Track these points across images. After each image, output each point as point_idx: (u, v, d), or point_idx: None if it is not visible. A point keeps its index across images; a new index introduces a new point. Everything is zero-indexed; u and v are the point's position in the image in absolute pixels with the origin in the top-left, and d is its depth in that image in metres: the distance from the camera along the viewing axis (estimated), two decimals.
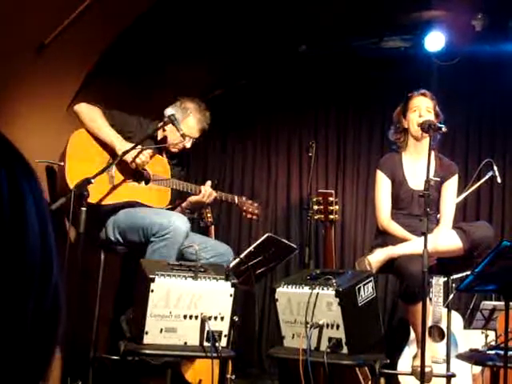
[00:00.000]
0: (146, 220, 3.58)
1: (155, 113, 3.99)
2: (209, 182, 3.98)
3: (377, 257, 3.76)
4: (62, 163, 3.62)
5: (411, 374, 3.80)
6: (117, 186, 3.68)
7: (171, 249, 3.50)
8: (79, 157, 3.61)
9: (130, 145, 3.63)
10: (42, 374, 0.68)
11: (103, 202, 3.62)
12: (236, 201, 4.07)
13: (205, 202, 3.98)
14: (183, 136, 3.73)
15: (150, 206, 3.74)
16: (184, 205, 4.06)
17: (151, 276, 2.90)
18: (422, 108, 3.97)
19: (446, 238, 3.76)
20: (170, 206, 3.86)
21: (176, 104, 3.98)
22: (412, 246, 3.72)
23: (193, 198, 3.95)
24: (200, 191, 3.89)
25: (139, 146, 3.64)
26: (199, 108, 3.99)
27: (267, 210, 6.03)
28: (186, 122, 3.91)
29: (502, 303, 3.73)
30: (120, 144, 3.65)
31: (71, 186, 3.43)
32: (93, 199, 3.50)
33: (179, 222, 3.54)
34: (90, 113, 3.72)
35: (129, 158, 3.65)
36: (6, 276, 0.62)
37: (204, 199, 3.91)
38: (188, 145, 3.95)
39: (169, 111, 3.79)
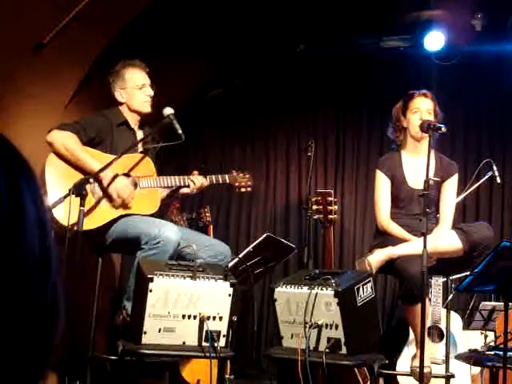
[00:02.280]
0: (136, 229, 3.51)
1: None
2: (195, 172, 3.86)
3: (377, 257, 3.75)
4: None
5: (410, 375, 3.78)
6: (106, 206, 3.60)
7: (161, 258, 3.37)
8: (60, 185, 3.44)
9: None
10: (41, 373, 0.67)
11: (100, 225, 3.55)
12: (227, 180, 3.94)
13: (197, 193, 3.93)
14: (182, 136, 3.66)
15: (144, 215, 3.65)
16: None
17: (150, 276, 2.89)
18: (423, 110, 3.94)
19: (446, 239, 3.76)
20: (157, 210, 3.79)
21: (110, 81, 3.86)
22: (412, 246, 3.71)
23: (183, 191, 3.84)
24: (189, 184, 3.78)
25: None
26: (125, 61, 3.88)
27: (266, 209, 6.03)
28: (130, 79, 3.83)
29: (502, 304, 3.73)
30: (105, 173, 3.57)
31: (58, 218, 3.33)
32: (90, 225, 3.45)
33: (169, 232, 3.44)
34: (64, 142, 3.57)
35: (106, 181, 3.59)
36: (5, 273, 0.62)
37: (194, 192, 3.83)
38: (151, 92, 3.86)
39: (168, 110, 3.72)
